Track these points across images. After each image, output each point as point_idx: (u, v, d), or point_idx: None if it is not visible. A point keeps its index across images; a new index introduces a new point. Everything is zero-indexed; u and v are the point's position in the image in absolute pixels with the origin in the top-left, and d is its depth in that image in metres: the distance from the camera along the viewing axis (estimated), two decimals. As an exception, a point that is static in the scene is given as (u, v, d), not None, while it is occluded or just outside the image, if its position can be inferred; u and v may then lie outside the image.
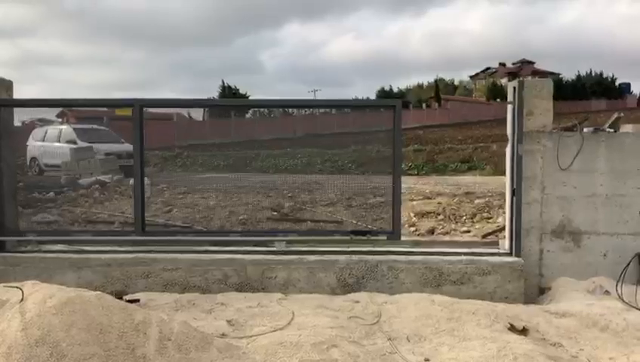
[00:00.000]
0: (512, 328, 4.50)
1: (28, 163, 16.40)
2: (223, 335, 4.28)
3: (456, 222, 9.05)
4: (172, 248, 5.87)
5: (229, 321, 4.59)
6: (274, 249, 5.82)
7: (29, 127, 16.42)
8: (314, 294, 5.35)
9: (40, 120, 16.96)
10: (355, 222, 7.57)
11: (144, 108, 5.96)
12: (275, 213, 8.71)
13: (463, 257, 5.70)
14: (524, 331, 4.53)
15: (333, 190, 9.47)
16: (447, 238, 7.89)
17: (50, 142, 16.06)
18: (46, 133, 16.50)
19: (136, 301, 4.96)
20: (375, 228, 6.28)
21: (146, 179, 11.52)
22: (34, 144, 16.49)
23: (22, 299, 3.46)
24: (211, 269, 5.61)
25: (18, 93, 6.29)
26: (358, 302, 5.10)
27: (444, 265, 5.60)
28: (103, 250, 5.87)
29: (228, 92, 42.57)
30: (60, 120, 20.10)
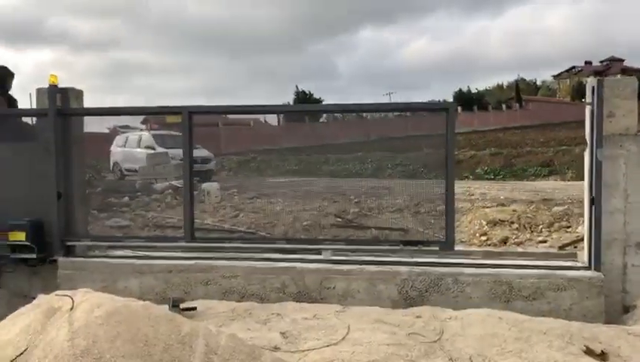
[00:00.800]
0: (589, 351, 4.05)
1: (111, 168, 17.16)
2: (276, 348, 4.13)
3: (532, 232, 8.50)
4: (231, 255, 5.81)
5: (282, 333, 4.44)
6: (333, 258, 5.63)
7: (112, 134, 17.19)
8: (374, 307, 5.09)
9: (123, 126, 17.67)
10: (421, 230, 7.24)
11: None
12: (339, 220, 8.52)
13: (536, 270, 5.27)
14: (602, 355, 4.07)
15: (401, 195, 9.13)
16: (520, 249, 7.39)
17: (131, 148, 16.70)
18: (127, 139, 17.19)
19: (193, 309, 4.92)
20: (426, 238, 5.95)
21: (216, 183, 11.75)
22: (116, 149, 17.25)
23: (72, 308, 3.45)
24: (269, 278, 5.50)
25: (110, 102, 6.50)
26: (419, 317, 4.80)
27: (514, 279, 5.19)
28: (164, 256, 5.91)
29: (302, 97, 42.93)
30: (144, 126, 20.90)
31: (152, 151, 15.46)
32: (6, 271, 6.00)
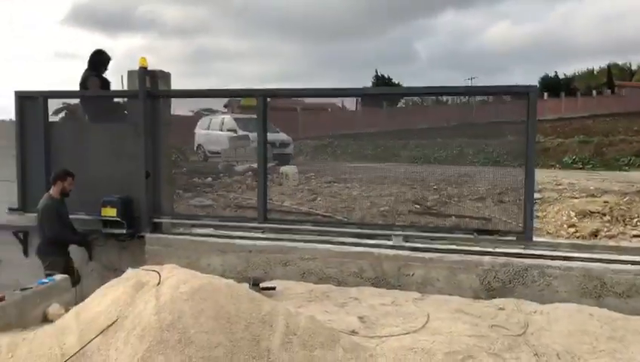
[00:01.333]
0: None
1: (195, 149, 17.69)
2: (353, 332, 4.09)
3: (626, 225, 7.94)
4: (310, 238, 5.82)
5: (360, 318, 4.40)
6: (411, 245, 5.51)
7: (196, 117, 17.67)
8: (453, 296, 4.95)
9: (206, 110, 18.12)
10: (504, 220, 6.94)
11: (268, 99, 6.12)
12: (418, 206, 8.34)
13: (632, 266, 4.91)
14: None
15: (483, 183, 8.79)
16: (612, 243, 6.93)
17: (214, 131, 17.13)
18: (210, 121, 17.64)
19: (272, 288, 4.97)
20: (502, 228, 5.68)
21: (294, 167, 11.84)
22: (200, 132, 17.72)
23: (158, 283, 3.56)
24: (347, 262, 5.47)
25: (194, 86, 6.68)
26: (502, 309, 4.62)
27: (607, 274, 4.87)
28: (245, 235, 6.00)
29: (381, 82, 42.43)
30: (226, 110, 21.36)
31: (234, 134, 15.78)
32: (98, 245, 6.31)
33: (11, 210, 6.83)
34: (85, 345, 3.23)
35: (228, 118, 18.12)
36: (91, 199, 6.24)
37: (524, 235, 5.34)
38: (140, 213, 6.19)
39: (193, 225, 6.54)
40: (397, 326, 4.21)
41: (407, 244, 5.50)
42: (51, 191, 5.88)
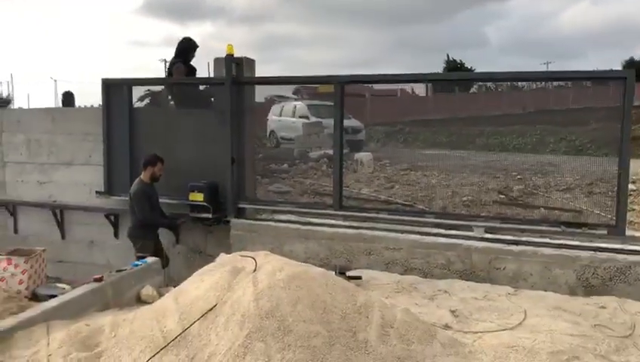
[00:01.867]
0: None
1: (267, 135, 17.89)
2: (447, 326, 3.97)
3: None
4: (394, 227, 5.71)
5: (452, 311, 4.27)
6: (502, 237, 5.30)
7: (269, 103, 17.83)
8: (548, 292, 4.71)
9: (278, 96, 18.24)
10: (597, 212, 6.56)
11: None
12: (503, 197, 8.03)
13: None
14: None
15: (570, 173, 8.37)
16: None
17: (286, 117, 17.24)
18: (282, 108, 17.77)
19: (358, 278, 4.91)
20: (591, 221, 5.36)
21: (369, 154, 11.71)
22: (272, 118, 17.88)
23: (255, 269, 3.57)
24: (433, 253, 5.33)
25: (259, 73, 6.70)
26: (604, 307, 4.35)
27: None
28: (327, 223, 5.97)
29: (453, 66, 41.34)
30: (295, 96, 21.46)
31: (308, 121, 15.82)
32: (185, 229, 6.47)
33: (98, 193, 7.12)
34: (186, 329, 3.29)
35: (300, 105, 18.19)
36: (177, 184, 6.39)
37: (616, 229, 5.04)
38: (225, 199, 6.27)
39: (274, 211, 6.57)
40: (492, 321, 4.05)
41: (499, 236, 5.29)
42: (142, 176, 6.06)
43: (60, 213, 7.36)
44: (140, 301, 5.00)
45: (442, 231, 5.50)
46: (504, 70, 6.18)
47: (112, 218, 7.05)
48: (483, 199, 7.74)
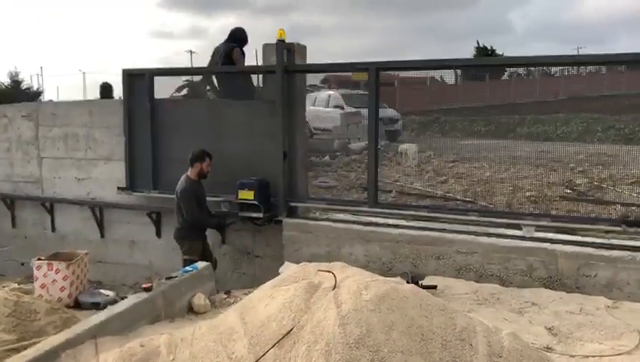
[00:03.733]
0: None
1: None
2: (548, 348, 3.43)
3: None
4: (467, 228, 5.16)
5: (549, 329, 3.73)
6: (592, 240, 4.70)
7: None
8: (653, 305, 4.12)
9: (310, 86, 17.66)
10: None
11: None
12: (569, 192, 7.40)
13: None
14: None
15: (635, 164, 7.68)
16: None
17: (320, 107, 16.68)
18: (316, 98, 17.19)
19: (433, 287, 4.39)
20: None
21: (414, 145, 11.10)
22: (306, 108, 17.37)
23: (334, 286, 3.06)
24: (513, 258, 4.77)
25: None
26: None
27: None
28: (391, 223, 5.44)
29: (483, 52, 40.15)
30: (324, 86, 20.88)
31: (344, 111, 15.27)
32: (234, 229, 6.01)
33: (120, 189, 6.75)
34: (260, 358, 2.80)
35: (334, 94, 17.63)
36: (222, 180, 5.93)
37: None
38: (277, 196, 5.79)
39: (325, 209, 6.07)
40: (600, 342, 3.50)
41: (586, 239, 4.70)
42: (189, 173, 5.61)
43: (99, 210, 6.98)
44: (191, 311, 4.57)
45: (531, 234, 4.91)
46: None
47: (154, 216, 6.62)
48: (547, 194, 7.11)
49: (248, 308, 3.29)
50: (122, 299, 5.35)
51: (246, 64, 6.60)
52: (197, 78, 7.77)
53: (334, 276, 3.14)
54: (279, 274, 4.79)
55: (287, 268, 4.05)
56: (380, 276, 3.27)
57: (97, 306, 4.80)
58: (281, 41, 5.58)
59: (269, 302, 3.20)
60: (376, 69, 5.56)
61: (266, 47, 5.93)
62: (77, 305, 4.93)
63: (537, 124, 17.03)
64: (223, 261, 6.19)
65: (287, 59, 5.67)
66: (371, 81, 5.57)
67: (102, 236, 7.03)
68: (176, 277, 4.54)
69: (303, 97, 6.02)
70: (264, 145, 5.93)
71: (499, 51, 43.78)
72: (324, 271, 3.25)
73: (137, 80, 6.65)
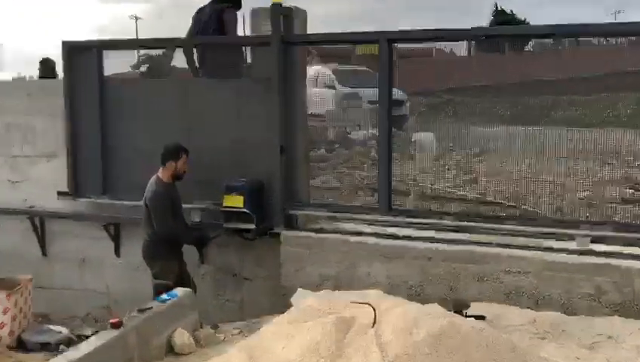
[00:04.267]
0: None
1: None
2: (637, 395, 3.38)
3: None
4: (516, 241, 5.10)
5: (634, 371, 3.67)
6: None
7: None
8: None
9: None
10: None
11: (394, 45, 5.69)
12: (632, 192, 7.39)
13: None
14: None
15: None
16: None
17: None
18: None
19: (482, 318, 4.31)
20: None
21: (430, 134, 11.04)
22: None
23: (374, 322, 2.96)
24: (577, 278, 4.73)
25: None
26: None
27: None
28: (420, 236, 5.36)
29: (501, 18, 40.43)
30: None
31: (337, 91, 15.17)
32: (217, 245, 5.88)
33: (61, 194, 6.63)
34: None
35: (324, 71, 17.50)
36: (199, 182, 5.82)
37: None
38: (272, 203, 5.69)
39: (330, 218, 5.99)
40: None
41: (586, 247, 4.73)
42: (160, 174, 5.46)
43: (39, 222, 6.78)
44: (171, 351, 4.45)
45: (587, 247, 4.87)
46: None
47: (112, 229, 6.46)
48: (605, 195, 7.08)
49: (260, 349, 3.19)
50: (79, 337, 5.29)
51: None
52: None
53: (373, 308, 3.04)
54: (290, 304, 4.69)
55: (304, 297, 3.95)
56: (433, 307, 3.18)
57: (47, 347, 4.66)
58: (277, 5, 5.46)
59: (287, 342, 3.10)
60: (387, 40, 5.48)
61: (255, 12, 5.82)
62: (20, 345, 4.77)
63: (575, 106, 17.12)
64: (202, 284, 6.06)
65: (284, 27, 5.56)
66: (383, 55, 5.51)
67: (43, 254, 6.85)
68: (151, 308, 4.42)
69: (303, 76, 5.92)
70: (255, 136, 5.83)
71: (520, 15, 44.15)
72: (357, 302, 3.15)
73: (82, 54, 6.54)
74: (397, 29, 5.87)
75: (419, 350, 2.74)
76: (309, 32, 5.97)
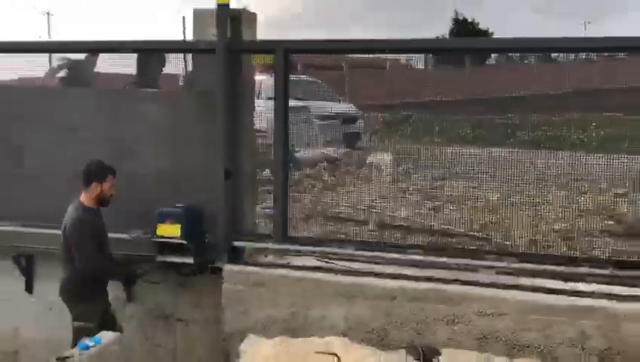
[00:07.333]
0: None
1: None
2: None
3: None
4: (491, 277, 5.16)
5: None
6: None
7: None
8: None
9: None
10: None
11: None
12: (613, 223, 7.58)
13: None
14: None
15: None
16: None
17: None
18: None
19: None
20: None
21: (388, 155, 11.12)
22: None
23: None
24: (557, 321, 4.82)
25: None
26: None
27: None
28: (384, 272, 5.36)
29: (462, 28, 41.47)
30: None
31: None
32: (147, 281, 5.74)
33: None
34: None
35: (265, 81, 17.52)
36: (126, 208, 5.71)
37: None
38: (214, 233, 5.62)
39: (277, 251, 5.95)
40: None
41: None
42: (82, 198, 5.31)
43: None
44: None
45: (568, 285, 4.97)
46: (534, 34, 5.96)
47: (23, 262, 6.25)
48: (585, 227, 7.24)
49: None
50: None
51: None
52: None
53: (339, 360, 2.99)
54: (230, 353, 4.60)
55: (255, 346, 3.85)
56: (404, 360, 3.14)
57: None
58: (224, 6, 5.42)
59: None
60: (284, 50, 5.60)
61: (198, 13, 5.77)
62: None
63: (543, 126, 17.52)
64: (129, 328, 5.91)
65: (231, 32, 5.53)
66: (279, 67, 5.65)
67: None
68: (71, 357, 4.28)
69: (252, 89, 5.91)
70: (195, 157, 5.79)
71: (484, 25, 45.28)
72: (321, 352, 3.10)
73: None
74: (298, 39, 6.01)
75: (394, 410, 2.71)
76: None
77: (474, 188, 9.73)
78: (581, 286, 5.06)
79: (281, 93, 5.69)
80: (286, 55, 5.62)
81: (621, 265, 5.31)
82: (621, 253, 6.39)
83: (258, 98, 16.86)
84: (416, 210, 8.54)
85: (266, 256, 5.89)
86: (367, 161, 10.69)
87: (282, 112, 5.72)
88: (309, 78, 17.06)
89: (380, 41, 5.77)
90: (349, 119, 15.94)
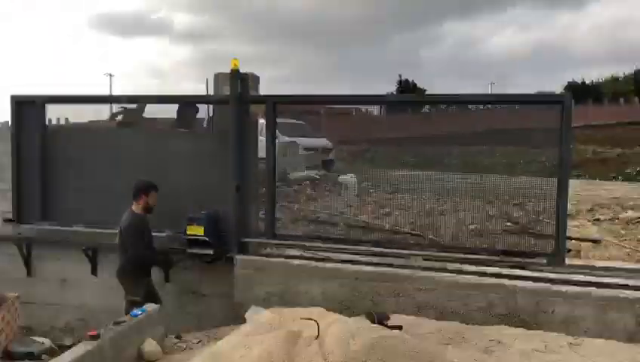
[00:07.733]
0: None
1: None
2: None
3: None
4: (427, 264, 5.13)
5: (521, 370, 3.70)
6: (549, 276, 4.81)
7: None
8: (611, 341, 4.22)
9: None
10: (619, 243, 6.21)
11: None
12: (510, 224, 7.60)
13: None
14: None
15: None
16: None
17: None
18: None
19: (399, 327, 4.27)
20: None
21: (353, 176, 11.11)
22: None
23: (318, 335, 2.88)
24: (474, 294, 4.78)
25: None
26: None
27: None
28: (349, 259, 5.32)
29: (406, 86, 41.67)
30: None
31: (278, 141, 15.14)
32: (182, 267, 5.66)
33: (6, 220, 6.42)
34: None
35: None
36: (167, 214, 5.61)
37: (556, 259, 4.95)
38: (228, 232, 5.54)
39: (277, 245, 5.88)
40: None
41: (545, 275, 4.80)
42: (133, 207, 5.23)
43: (25, 246, 6.37)
44: (140, 358, 4.20)
45: (485, 268, 4.96)
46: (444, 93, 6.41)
47: (90, 252, 6.13)
48: (490, 228, 7.25)
49: (221, 358, 3.03)
50: (59, 346, 4.94)
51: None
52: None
53: (317, 323, 2.96)
54: (242, 317, 4.54)
55: (258, 313, 3.82)
56: (361, 319, 3.12)
57: (32, 356, 4.32)
58: (235, 71, 5.40)
59: (245, 353, 2.97)
60: (273, 103, 5.63)
61: (217, 76, 5.74)
62: (7, 355, 4.40)
63: (467, 156, 17.67)
64: (167, 300, 5.77)
65: (241, 89, 5.50)
66: (269, 113, 5.64)
67: (29, 274, 6.44)
68: (124, 322, 4.18)
69: (256, 129, 5.86)
70: (213, 176, 5.70)
71: (420, 84, 45.53)
72: (304, 318, 3.07)
73: (27, 107, 6.40)
74: (282, 94, 6.06)
75: (355, 358, 2.68)
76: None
77: (414, 199, 9.73)
78: (489, 270, 5.07)
79: (270, 131, 5.67)
80: (274, 105, 5.61)
81: (507, 253, 5.34)
82: (512, 246, 6.43)
83: (260, 135, 16.86)
84: (373, 215, 8.53)
85: (265, 249, 5.82)
86: (339, 180, 10.69)
87: (270, 144, 5.69)
88: (298, 121, 17.09)
89: (345, 95, 5.79)
90: (325, 150, 16.01)
